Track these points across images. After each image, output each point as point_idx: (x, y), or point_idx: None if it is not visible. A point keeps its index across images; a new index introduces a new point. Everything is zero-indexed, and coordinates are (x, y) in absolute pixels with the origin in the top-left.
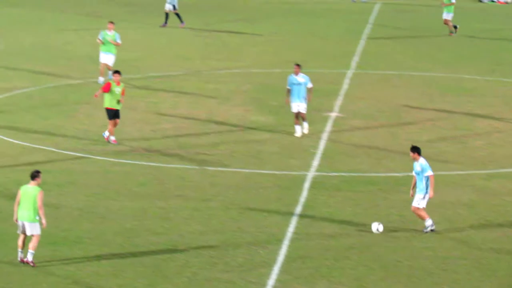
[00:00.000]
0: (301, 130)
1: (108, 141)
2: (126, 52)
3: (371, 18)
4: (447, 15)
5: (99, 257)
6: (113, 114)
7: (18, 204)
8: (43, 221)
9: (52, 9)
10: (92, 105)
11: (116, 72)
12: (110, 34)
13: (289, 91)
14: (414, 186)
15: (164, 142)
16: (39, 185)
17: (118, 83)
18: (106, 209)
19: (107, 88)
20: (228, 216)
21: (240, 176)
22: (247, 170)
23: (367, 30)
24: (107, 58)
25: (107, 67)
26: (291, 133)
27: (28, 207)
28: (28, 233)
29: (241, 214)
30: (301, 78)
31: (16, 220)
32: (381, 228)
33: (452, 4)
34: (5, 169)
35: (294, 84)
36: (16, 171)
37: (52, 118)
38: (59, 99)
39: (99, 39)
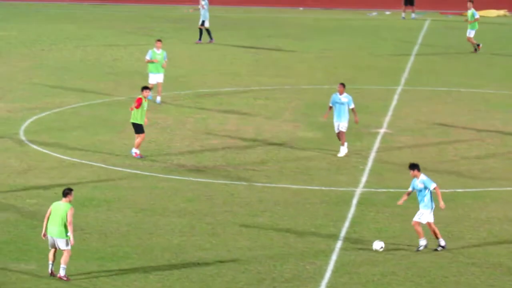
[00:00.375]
0: (344, 150)
1: (141, 157)
2: (175, 68)
3: (421, 35)
4: (470, 33)
5: (146, 273)
6: (141, 128)
7: (48, 219)
8: (71, 238)
9: (101, 25)
10: None
11: (146, 88)
12: (158, 53)
13: (330, 108)
14: (407, 195)
15: (213, 158)
16: (70, 202)
17: (145, 99)
18: (153, 225)
19: (139, 104)
20: (276, 232)
21: (288, 192)
22: (295, 186)
23: (416, 47)
24: (157, 77)
25: (158, 84)
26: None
27: (57, 223)
28: (59, 247)
29: (289, 230)
30: (344, 97)
31: (44, 236)
32: (379, 246)
33: (476, 20)
34: (54, 186)
35: (336, 102)
36: (65, 186)
37: (100, 134)
38: (107, 115)
39: (148, 59)
